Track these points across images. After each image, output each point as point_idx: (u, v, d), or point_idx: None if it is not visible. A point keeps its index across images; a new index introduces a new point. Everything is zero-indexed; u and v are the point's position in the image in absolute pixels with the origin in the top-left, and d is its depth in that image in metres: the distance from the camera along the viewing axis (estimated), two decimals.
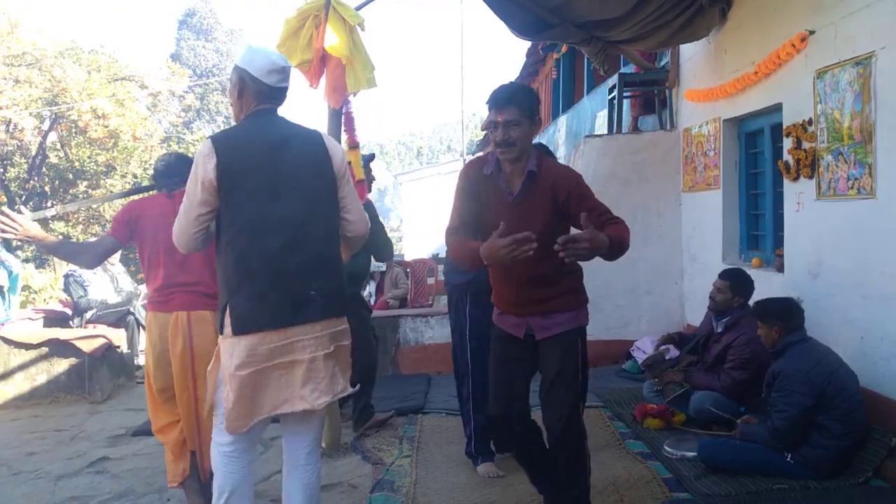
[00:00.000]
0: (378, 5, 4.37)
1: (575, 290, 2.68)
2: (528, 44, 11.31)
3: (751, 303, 3.94)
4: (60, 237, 2.76)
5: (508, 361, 2.72)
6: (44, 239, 2.85)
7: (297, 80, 3.20)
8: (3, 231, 2.74)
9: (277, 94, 2.44)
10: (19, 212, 2.93)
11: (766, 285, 4.45)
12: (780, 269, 4.56)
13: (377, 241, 4.25)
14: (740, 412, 3.75)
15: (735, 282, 4.13)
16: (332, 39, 3.86)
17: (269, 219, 2.31)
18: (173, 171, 3.20)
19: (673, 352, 4.62)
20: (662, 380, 4.27)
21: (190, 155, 3.00)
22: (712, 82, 5.48)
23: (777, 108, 4.62)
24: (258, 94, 2.40)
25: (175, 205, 2.61)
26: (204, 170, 2.28)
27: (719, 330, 4.16)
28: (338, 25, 3.92)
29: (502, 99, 2.47)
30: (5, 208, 3.00)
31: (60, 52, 10.29)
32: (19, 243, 9.77)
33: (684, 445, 3.62)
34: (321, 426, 2.58)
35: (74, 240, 12.97)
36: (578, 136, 9.39)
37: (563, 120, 11.64)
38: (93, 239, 6.86)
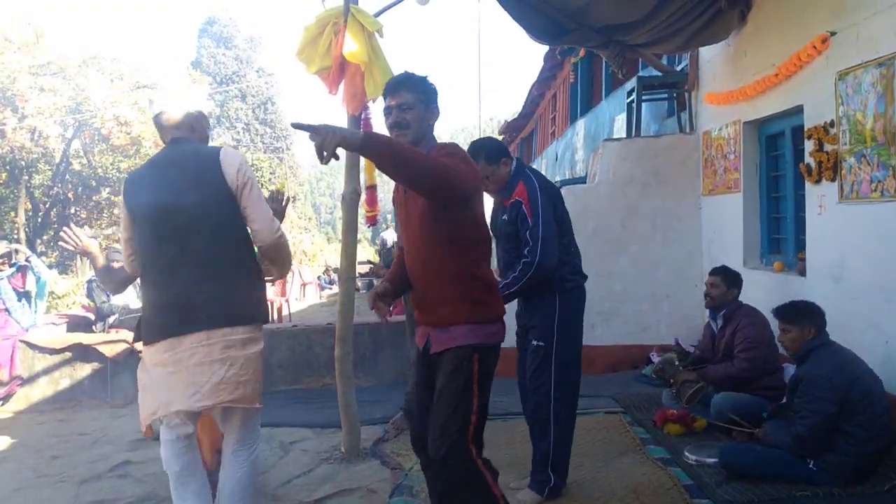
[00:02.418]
0: (395, 11, 4.39)
1: (479, 300, 2.38)
2: (545, 48, 11.31)
3: (757, 304, 3.90)
4: (103, 260, 2.88)
5: (418, 385, 2.57)
6: (95, 258, 3.00)
7: (316, 87, 3.35)
8: (66, 242, 2.93)
9: (162, 128, 2.68)
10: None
11: (789, 289, 4.40)
12: (803, 272, 4.51)
13: None
14: (762, 417, 3.71)
15: (726, 275, 4.24)
16: (352, 46, 3.89)
17: (157, 240, 2.56)
18: None
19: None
20: (676, 381, 4.22)
21: None
22: (732, 85, 5.44)
23: (798, 111, 4.58)
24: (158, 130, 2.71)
25: None
26: (122, 204, 2.70)
27: (720, 325, 4.24)
28: (357, 32, 3.95)
29: (396, 84, 2.47)
30: (72, 225, 3.21)
31: (84, 61, 10.46)
32: (45, 250, 9.99)
33: (704, 451, 3.59)
34: (241, 427, 2.70)
35: (103, 246, 13.17)
36: (597, 140, 9.36)
37: (581, 124, 11.62)
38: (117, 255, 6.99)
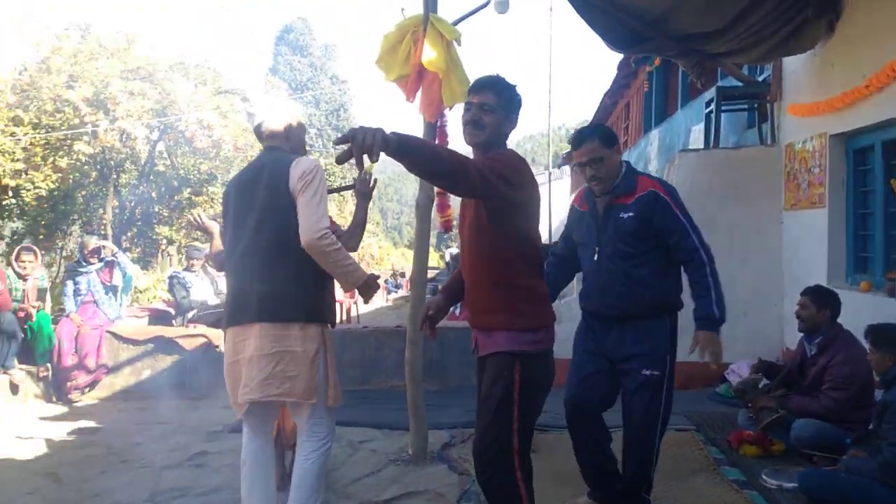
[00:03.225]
0: (471, 19, 4.42)
1: (520, 309, 2.35)
2: (619, 56, 11.17)
3: (850, 327, 3.73)
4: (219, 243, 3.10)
5: (477, 389, 2.54)
6: (213, 239, 3.29)
7: (393, 94, 3.44)
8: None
9: (259, 135, 2.89)
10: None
11: (876, 311, 4.20)
12: (892, 293, 4.30)
13: None
14: (845, 444, 3.55)
15: (816, 296, 3.96)
16: (430, 54, 3.94)
17: (233, 236, 2.81)
18: None
19: (764, 382, 4.42)
20: (755, 405, 4.07)
21: None
22: (818, 96, 5.24)
23: (890, 124, 4.39)
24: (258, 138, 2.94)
25: None
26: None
27: (813, 352, 3.99)
28: (435, 40, 4.00)
29: (484, 84, 2.44)
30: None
31: (171, 67, 10.98)
32: (129, 246, 10.52)
33: (784, 475, 3.46)
34: (307, 420, 2.78)
35: (178, 245, 13.84)
36: (671, 151, 9.16)
37: (655, 134, 11.41)
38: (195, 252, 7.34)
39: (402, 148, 1.97)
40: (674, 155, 6.73)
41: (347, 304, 10.97)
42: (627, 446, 2.98)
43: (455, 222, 3.45)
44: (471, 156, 2.47)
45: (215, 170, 12.88)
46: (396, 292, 21.47)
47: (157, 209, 13.58)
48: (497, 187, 2.19)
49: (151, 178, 12.98)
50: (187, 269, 7.57)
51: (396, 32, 4.14)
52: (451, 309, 8.50)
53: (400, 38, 4.13)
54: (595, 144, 2.92)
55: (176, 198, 13.36)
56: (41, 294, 6.24)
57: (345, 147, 1.92)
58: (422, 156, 2.06)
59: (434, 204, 4.38)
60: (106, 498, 3.67)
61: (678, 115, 10.04)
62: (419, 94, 4.24)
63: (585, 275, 3.10)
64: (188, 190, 13.23)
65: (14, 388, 5.63)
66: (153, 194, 13.21)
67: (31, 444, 4.80)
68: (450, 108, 4.23)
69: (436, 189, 4.25)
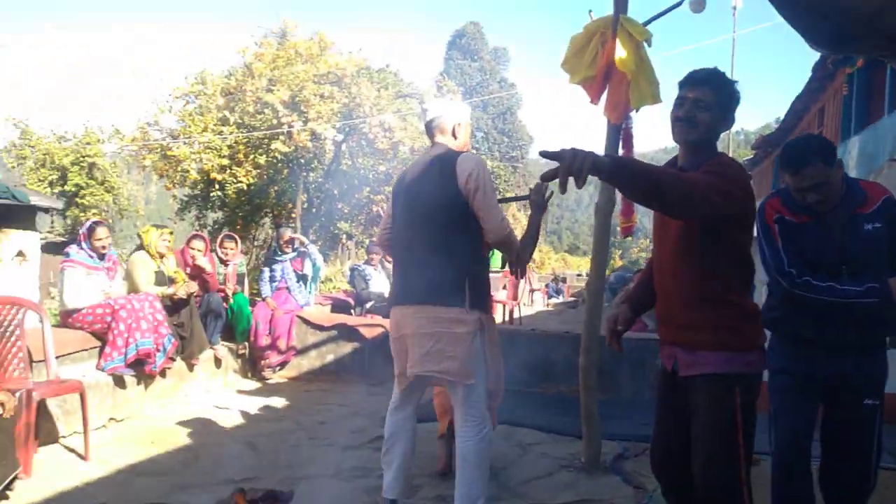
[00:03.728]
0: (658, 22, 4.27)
1: (733, 327, 2.21)
2: (814, 58, 10.29)
3: None
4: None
5: (662, 408, 2.44)
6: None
7: (578, 96, 3.50)
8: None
9: (429, 131, 3.14)
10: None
11: None
12: None
13: None
14: None
15: None
16: (620, 54, 3.87)
17: (402, 223, 3.08)
18: None
19: None
20: None
21: None
22: None
23: None
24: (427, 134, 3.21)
25: None
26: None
27: None
28: (625, 41, 3.92)
29: (702, 77, 2.25)
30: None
31: (357, 72, 11.71)
32: (314, 239, 11.35)
33: None
34: (463, 402, 2.95)
35: (356, 240, 14.76)
36: (875, 160, 8.27)
37: (854, 141, 10.35)
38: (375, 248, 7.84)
39: (616, 174, 1.90)
40: (882, 164, 6.06)
41: (510, 306, 11.03)
42: (835, 483, 2.68)
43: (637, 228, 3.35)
44: (675, 153, 2.39)
45: (392, 171, 13.54)
46: (557, 297, 21.27)
47: (339, 206, 14.56)
48: (718, 206, 2.05)
49: (334, 176, 13.91)
50: (367, 262, 8.03)
51: (583, 34, 4.10)
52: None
53: (587, 39, 4.09)
54: (819, 167, 2.48)
55: (356, 196, 14.25)
56: (240, 279, 6.89)
57: (549, 156, 1.88)
58: (639, 182, 1.95)
59: (617, 208, 4.29)
60: (297, 470, 3.98)
61: (884, 120, 9.02)
62: (604, 96, 4.18)
63: (809, 301, 2.56)
64: (367, 189, 14.04)
65: (217, 363, 6.28)
66: (335, 191, 14.16)
67: (230, 414, 5.34)
68: (636, 111, 4.12)
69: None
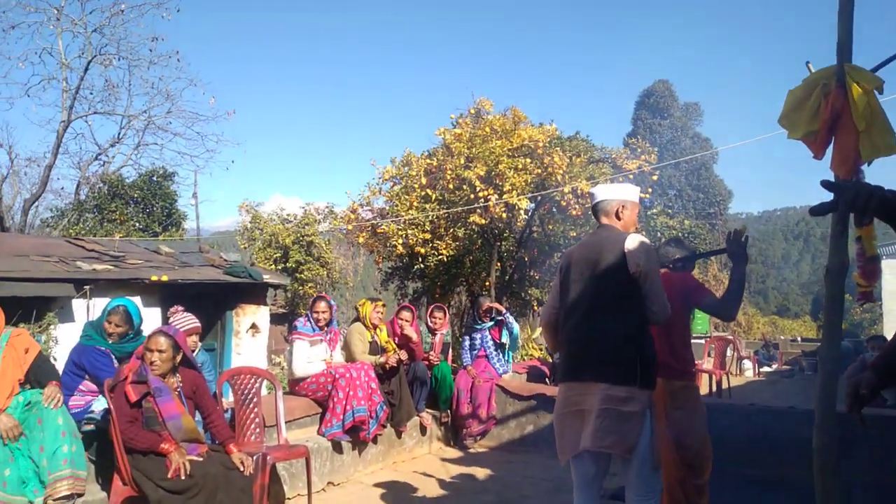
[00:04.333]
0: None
1: None
2: None
3: None
4: None
5: None
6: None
7: (801, 152, 3.35)
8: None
9: (595, 213, 3.32)
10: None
11: None
12: None
13: None
14: None
15: None
16: (849, 104, 3.56)
17: (571, 301, 3.16)
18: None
19: None
20: None
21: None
22: None
23: None
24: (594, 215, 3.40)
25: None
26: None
27: None
28: (854, 90, 3.61)
29: None
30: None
31: (549, 142, 11.92)
32: (508, 307, 11.53)
33: None
34: (634, 477, 2.99)
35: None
36: None
37: None
38: None
39: None
40: None
41: (717, 376, 10.25)
42: None
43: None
44: None
45: (583, 235, 13.45)
46: (771, 366, 19.37)
47: (531, 273, 14.64)
48: None
49: (525, 244, 14.07)
50: None
51: (803, 87, 3.84)
52: None
53: (807, 92, 3.82)
54: None
55: (547, 262, 14.27)
56: (445, 347, 7.12)
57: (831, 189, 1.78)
58: None
59: (856, 270, 3.87)
60: None
61: None
62: (830, 149, 3.85)
63: None
64: (557, 255, 14.03)
65: (423, 430, 6.47)
66: (526, 259, 14.29)
67: (436, 484, 5.43)
68: (868, 164, 3.74)
69: (859, 253, 3.76)
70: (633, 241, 3.05)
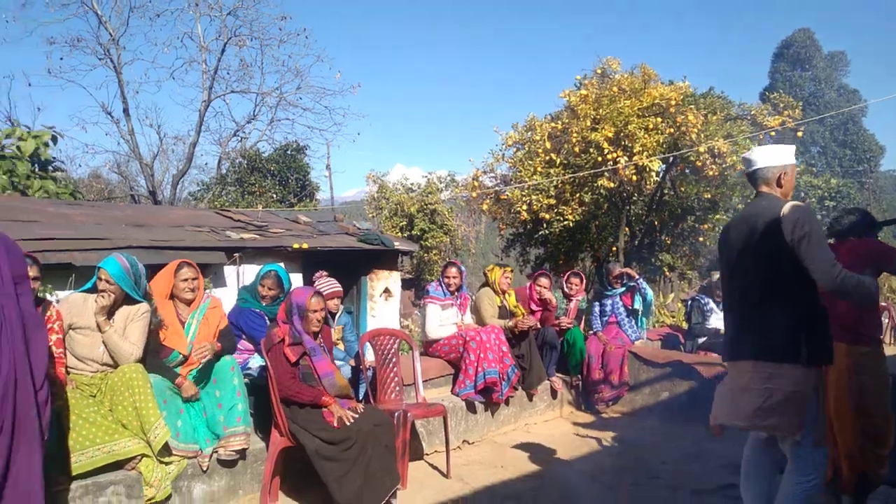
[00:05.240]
0: None
1: None
2: None
3: None
4: None
5: None
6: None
7: None
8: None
9: (753, 180, 3.14)
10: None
11: None
12: None
13: None
14: None
15: None
16: None
17: (729, 276, 3.11)
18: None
19: None
20: None
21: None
22: None
23: None
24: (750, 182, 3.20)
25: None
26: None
27: None
28: None
29: None
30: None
31: (682, 100, 11.33)
32: (646, 274, 11.18)
33: None
34: (790, 453, 2.93)
35: (678, 271, 14.14)
36: None
37: None
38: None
39: None
40: None
41: None
42: None
43: None
44: None
45: (719, 197, 12.76)
46: None
47: (661, 237, 14.12)
48: None
49: (656, 207, 13.57)
50: (710, 295, 7.62)
51: None
52: None
53: None
54: None
55: (680, 225, 13.70)
56: (578, 314, 7.07)
57: None
58: None
59: None
60: None
61: None
62: None
63: None
64: (691, 218, 13.43)
65: (554, 394, 6.49)
66: (656, 222, 13.78)
67: (568, 446, 5.45)
68: None
69: None
70: (792, 208, 2.89)
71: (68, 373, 3.67)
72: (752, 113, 12.57)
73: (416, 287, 18.01)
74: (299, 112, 21.29)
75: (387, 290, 8.76)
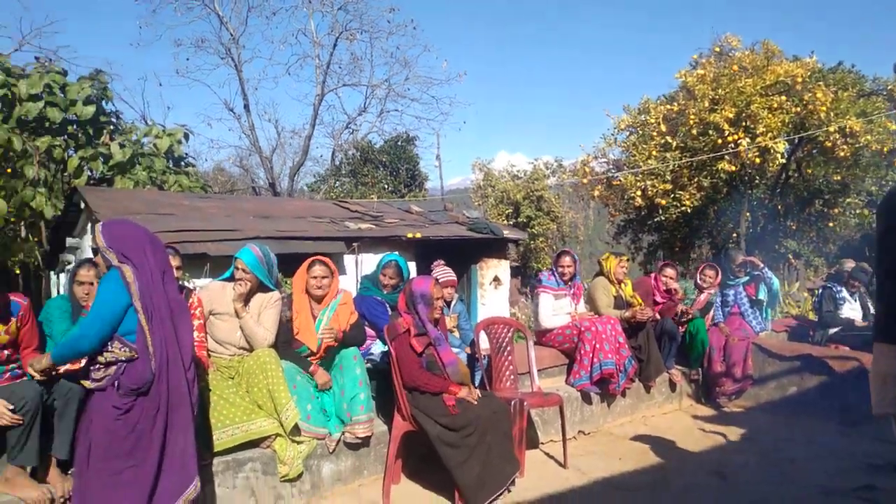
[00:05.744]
0: None
1: None
2: None
3: None
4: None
5: None
6: None
7: None
8: None
9: None
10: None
11: None
12: None
13: None
14: None
15: None
16: None
17: (880, 258, 2.65)
18: None
19: None
20: None
21: None
22: None
23: None
24: None
25: None
26: None
27: None
28: None
29: None
30: None
31: (810, 76, 10.60)
32: (769, 262, 10.57)
33: None
34: None
35: (805, 259, 13.29)
36: None
37: None
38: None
39: None
40: None
41: None
42: None
43: None
44: None
45: (850, 179, 11.86)
46: None
47: (785, 222, 13.36)
48: None
49: (780, 191, 12.83)
50: (845, 283, 7.16)
51: None
52: None
53: None
54: None
55: (807, 210, 12.89)
56: (708, 307, 6.73)
57: None
58: None
59: None
60: None
61: None
62: None
63: None
64: (819, 202, 12.58)
65: (672, 386, 6.31)
66: (780, 207, 13.03)
67: (689, 439, 5.31)
68: None
69: None
70: None
71: (209, 356, 3.97)
72: (889, 88, 11.58)
73: (522, 275, 17.99)
74: (407, 103, 21.75)
75: (496, 279, 8.83)
